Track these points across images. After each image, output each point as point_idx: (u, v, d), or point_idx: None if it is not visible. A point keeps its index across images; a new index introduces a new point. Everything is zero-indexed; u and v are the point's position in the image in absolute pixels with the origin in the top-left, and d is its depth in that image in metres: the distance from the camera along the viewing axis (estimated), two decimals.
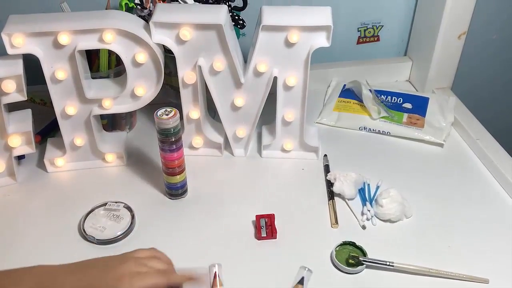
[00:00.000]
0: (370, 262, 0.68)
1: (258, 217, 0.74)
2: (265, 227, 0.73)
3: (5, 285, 0.52)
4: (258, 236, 0.73)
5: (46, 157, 0.83)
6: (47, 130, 0.91)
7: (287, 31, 0.74)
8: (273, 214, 0.75)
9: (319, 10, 0.75)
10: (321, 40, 0.75)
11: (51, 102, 0.79)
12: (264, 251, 0.71)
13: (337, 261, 0.69)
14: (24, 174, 0.84)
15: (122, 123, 0.92)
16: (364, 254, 0.70)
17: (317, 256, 0.71)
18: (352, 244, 0.71)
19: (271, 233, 0.73)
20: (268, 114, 0.85)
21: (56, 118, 0.81)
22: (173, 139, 0.72)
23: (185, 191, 0.80)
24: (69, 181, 0.84)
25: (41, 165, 0.85)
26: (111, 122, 0.91)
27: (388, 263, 0.68)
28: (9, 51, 0.71)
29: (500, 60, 1.17)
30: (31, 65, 0.76)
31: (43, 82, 0.76)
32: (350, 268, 0.68)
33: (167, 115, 0.70)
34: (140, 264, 0.56)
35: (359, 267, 0.68)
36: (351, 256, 0.69)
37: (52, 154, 0.84)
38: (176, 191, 0.79)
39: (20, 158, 0.86)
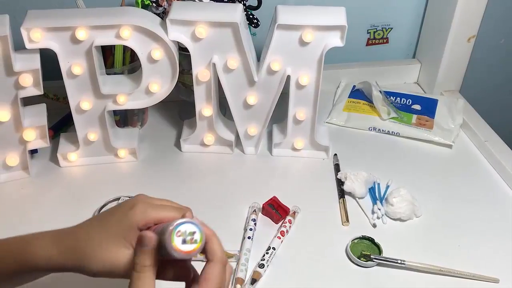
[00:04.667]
0: (381, 260, 0.69)
1: (265, 206, 0.76)
2: (276, 209, 0.76)
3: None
4: (277, 220, 0.75)
5: (59, 152, 0.84)
6: (59, 125, 0.92)
7: (302, 30, 0.75)
8: (275, 196, 0.77)
9: (333, 10, 0.75)
10: (335, 40, 0.75)
11: (64, 98, 0.80)
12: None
13: (351, 253, 0.70)
14: (37, 168, 0.85)
15: (134, 119, 0.93)
16: (380, 251, 0.70)
17: (329, 251, 0.72)
18: (371, 240, 0.72)
19: (284, 212, 0.76)
20: (279, 113, 0.86)
21: (68, 113, 0.82)
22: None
23: None
24: (81, 176, 0.85)
25: (53, 159, 0.86)
26: (123, 118, 0.92)
27: (399, 261, 0.68)
28: (28, 45, 0.72)
29: (508, 64, 1.18)
30: (45, 60, 0.76)
31: (57, 77, 0.77)
32: (361, 261, 0.69)
33: (184, 242, 0.42)
34: (154, 199, 0.51)
35: (370, 263, 0.69)
36: (363, 255, 0.70)
37: (65, 149, 0.85)
38: None
39: (33, 152, 0.86)
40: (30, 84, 0.74)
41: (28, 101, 0.80)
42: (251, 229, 0.73)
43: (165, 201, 0.52)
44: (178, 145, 0.90)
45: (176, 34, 0.75)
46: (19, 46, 0.73)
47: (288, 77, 0.80)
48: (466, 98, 1.02)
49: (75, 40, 0.73)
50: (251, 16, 0.83)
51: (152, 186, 0.82)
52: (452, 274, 0.68)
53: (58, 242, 0.49)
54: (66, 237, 0.50)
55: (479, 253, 0.72)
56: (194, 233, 0.42)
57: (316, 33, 0.75)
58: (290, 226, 0.74)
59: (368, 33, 1.08)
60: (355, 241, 0.72)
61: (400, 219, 0.76)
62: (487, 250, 0.72)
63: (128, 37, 0.74)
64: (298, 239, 0.74)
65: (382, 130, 0.94)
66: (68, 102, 0.79)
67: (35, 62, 0.73)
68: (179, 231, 0.42)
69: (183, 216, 0.47)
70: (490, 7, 0.96)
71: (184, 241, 0.42)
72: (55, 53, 0.74)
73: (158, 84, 0.79)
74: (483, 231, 0.75)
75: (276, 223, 0.76)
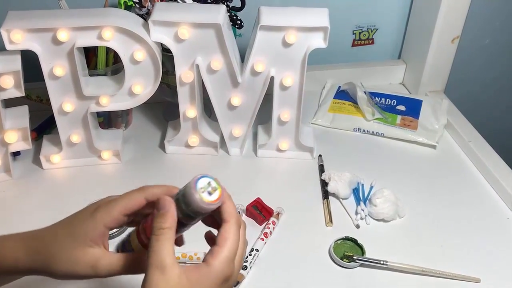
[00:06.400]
0: (364, 261, 0.69)
1: (249, 207, 0.77)
2: (260, 211, 0.76)
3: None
4: (261, 221, 0.75)
5: (42, 154, 0.84)
6: (42, 127, 0.91)
7: (285, 31, 0.75)
8: (259, 197, 0.77)
9: (316, 11, 0.76)
10: (318, 41, 0.76)
11: (47, 99, 0.79)
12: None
13: (334, 254, 0.70)
14: (19, 170, 0.84)
15: (118, 121, 0.92)
16: (363, 252, 0.71)
17: (312, 252, 0.72)
18: (354, 240, 0.72)
19: (268, 213, 0.76)
20: (264, 114, 0.86)
21: (52, 115, 0.81)
22: (194, 222, 0.47)
23: None
24: (64, 178, 0.84)
25: (36, 161, 0.85)
26: (107, 120, 0.91)
27: (382, 262, 0.69)
28: (8, 47, 0.71)
29: (492, 64, 1.19)
30: (28, 62, 0.76)
31: (40, 79, 0.76)
32: (343, 262, 0.69)
33: (210, 194, 0.44)
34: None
35: (352, 263, 0.69)
36: (345, 256, 0.70)
37: (48, 151, 0.84)
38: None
39: (15, 154, 0.86)
40: (11, 86, 0.73)
41: (11, 103, 0.79)
42: None
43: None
44: (162, 146, 0.89)
45: (159, 35, 0.75)
46: (0, 47, 0.72)
47: (272, 78, 0.80)
48: (450, 98, 1.03)
49: (56, 42, 0.72)
50: (234, 17, 0.83)
51: (136, 188, 0.81)
52: (434, 274, 0.69)
53: (25, 244, 0.49)
54: (33, 239, 0.50)
55: (461, 253, 0.72)
56: (209, 182, 0.44)
57: (299, 34, 0.75)
58: (273, 228, 0.74)
59: (353, 34, 1.08)
60: (338, 242, 0.72)
61: (383, 220, 0.77)
62: (469, 250, 0.73)
63: (110, 38, 0.73)
64: (282, 240, 0.74)
65: (367, 131, 0.95)
66: None
67: (16, 63, 0.72)
68: (200, 187, 0.43)
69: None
70: (473, 8, 0.97)
71: (209, 193, 0.44)
72: (37, 55, 0.73)
73: (141, 86, 0.79)
74: (465, 231, 0.76)
75: (260, 224, 0.76)
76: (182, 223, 0.46)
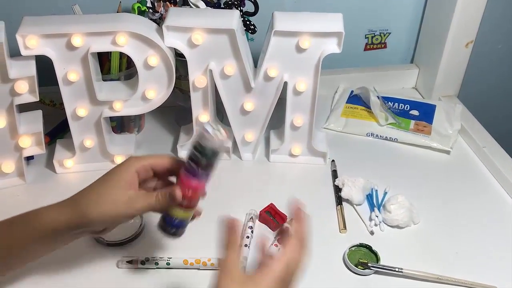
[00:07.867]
0: (378, 268, 0.68)
1: (262, 213, 0.76)
2: (273, 217, 0.76)
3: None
4: (274, 227, 0.75)
5: (55, 158, 0.84)
6: (56, 131, 0.92)
7: (299, 36, 0.74)
8: (272, 203, 0.77)
9: (330, 16, 0.75)
10: (332, 46, 0.75)
11: (60, 104, 0.80)
12: None
13: (348, 260, 0.69)
14: (33, 174, 0.84)
15: (131, 125, 0.92)
16: (378, 259, 0.70)
17: (326, 258, 0.71)
18: (369, 247, 0.72)
19: (282, 219, 0.75)
20: (276, 119, 0.86)
21: (65, 119, 0.81)
22: (204, 163, 0.59)
23: (177, 233, 0.62)
24: (77, 182, 0.83)
25: (50, 166, 0.86)
26: (119, 124, 0.92)
27: (397, 269, 0.68)
28: (23, 52, 0.71)
29: (505, 69, 1.18)
30: (42, 66, 0.76)
31: (53, 83, 0.77)
32: (358, 269, 0.69)
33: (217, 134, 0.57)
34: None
35: (367, 271, 0.69)
36: (360, 263, 0.69)
37: (61, 155, 0.84)
38: (168, 226, 0.61)
39: (28, 159, 0.86)
40: (26, 91, 0.74)
41: (24, 107, 0.79)
42: (248, 237, 0.73)
43: None
44: (175, 151, 0.89)
45: (173, 40, 0.75)
46: (15, 52, 0.72)
47: (285, 84, 0.79)
48: (464, 103, 1.02)
49: (71, 47, 0.73)
50: (248, 22, 0.83)
51: None
52: (449, 282, 0.68)
53: (62, 203, 0.59)
54: (70, 198, 0.59)
55: (477, 261, 0.72)
56: (212, 126, 0.56)
57: (313, 39, 0.75)
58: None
59: (366, 38, 1.08)
60: (353, 248, 0.72)
61: (397, 226, 0.76)
62: (485, 257, 0.72)
63: (124, 44, 0.73)
64: None
65: (380, 136, 0.94)
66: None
67: (31, 69, 0.73)
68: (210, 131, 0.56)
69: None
70: (488, 13, 0.96)
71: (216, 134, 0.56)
72: (51, 60, 0.73)
73: (154, 91, 0.79)
74: (481, 238, 0.75)
75: (273, 230, 0.75)
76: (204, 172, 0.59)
